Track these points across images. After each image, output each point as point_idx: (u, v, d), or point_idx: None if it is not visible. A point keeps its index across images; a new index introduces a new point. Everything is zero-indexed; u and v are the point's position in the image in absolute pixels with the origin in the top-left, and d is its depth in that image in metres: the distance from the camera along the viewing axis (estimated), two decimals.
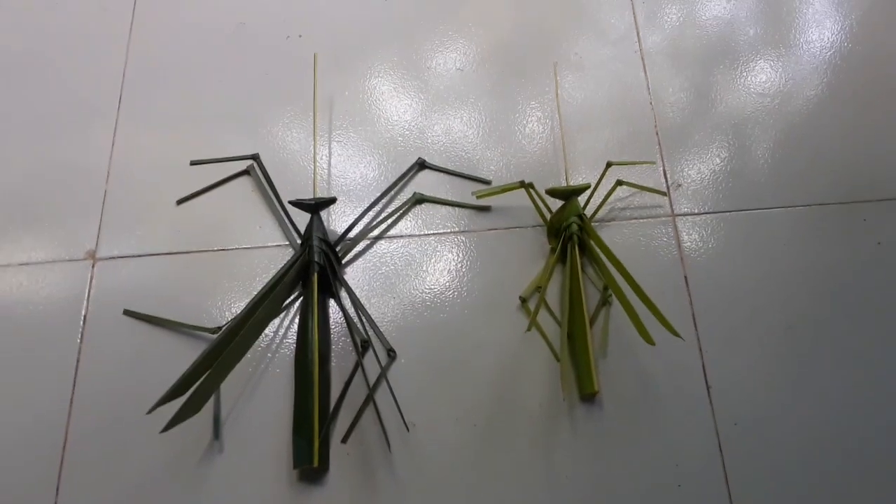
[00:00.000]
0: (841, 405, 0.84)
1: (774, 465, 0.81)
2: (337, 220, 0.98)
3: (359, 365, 0.86)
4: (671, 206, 0.98)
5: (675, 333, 0.80)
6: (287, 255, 0.95)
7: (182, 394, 0.79)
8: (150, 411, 0.75)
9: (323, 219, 0.95)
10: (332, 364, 0.88)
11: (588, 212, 0.97)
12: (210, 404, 0.84)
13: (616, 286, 0.83)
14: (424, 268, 0.94)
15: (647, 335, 0.80)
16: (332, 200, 0.93)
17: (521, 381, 0.87)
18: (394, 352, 0.88)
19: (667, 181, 1.00)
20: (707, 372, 0.86)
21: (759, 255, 0.94)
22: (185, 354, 0.88)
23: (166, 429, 0.75)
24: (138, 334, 0.90)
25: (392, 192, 1.00)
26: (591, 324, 0.89)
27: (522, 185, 0.93)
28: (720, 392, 0.85)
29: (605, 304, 0.91)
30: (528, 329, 0.80)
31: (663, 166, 1.01)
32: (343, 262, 0.95)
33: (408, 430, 0.82)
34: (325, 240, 0.91)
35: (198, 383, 0.77)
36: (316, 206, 0.92)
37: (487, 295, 0.92)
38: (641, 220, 0.97)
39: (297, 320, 0.91)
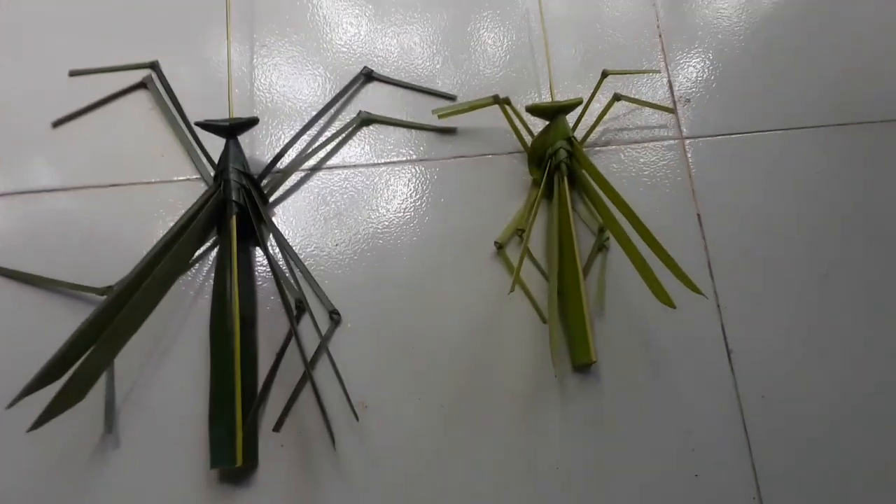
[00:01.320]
0: (886, 367, 0.72)
1: (811, 447, 0.69)
2: (262, 147, 0.81)
3: (292, 332, 0.70)
4: (679, 126, 0.83)
5: (697, 290, 0.66)
6: (198, 191, 0.78)
7: (57, 377, 0.63)
8: (10, 405, 0.59)
9: (242, 145, 0.78)
10: (258, 332, 0.72)
11: (578, 134, 0.81)
12: (99, 388, 0.68)
13: (618, 228, 0.68)
14: (374, 206, 0.78)
15: (666, 296, 0.66)
16: (253, 122, 0.76)
17: (499, 349, 0.72)
18: (337, 314, 0.73)
19: (673, 95, 0.85)
20: (727, 334, 0.73)
21: (787, 186, 0.80)
22: (65, 323, 0.71)
23: (36, 426, 0.59)
24: (4, 296, 0.73)
25: (331, 111, 0.83)
26: (584, 275, 0.74)
27: (496, 100, 0.77)
28: (743, 358, 0.72)
29: (600, 249, 0.77)
30: (511, 290, 0.65)
31: (668, 77, 0.85)
32: (270, 200, 0.78)
33: (356, 417, 0.66)
34: (244, 172, 0.74)
35: (80, 361, 0.61)
36: (231, 129, 0.75)
37: (454, 240, 0.77)
38: (643, 145, 0.82)
39: (212, 277, 0.75)
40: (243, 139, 0.80)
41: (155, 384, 0.69)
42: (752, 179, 0.80)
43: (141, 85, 0.84)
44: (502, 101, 0.78)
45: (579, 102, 0.77)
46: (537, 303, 0.74)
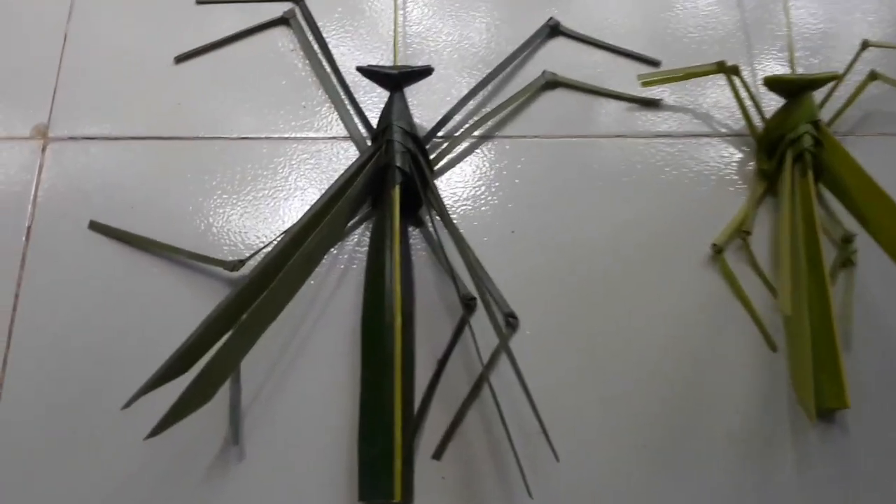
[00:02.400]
0: None
1: None
2: (423, 108, 0.68)
3: (458, 333, 0.59)
4: None
5: None
6: (346, 153, 0.66)
7: (182, 372, 0.52)
8: (127, 405, 0.48)
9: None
10: (417, 329, 0.60)
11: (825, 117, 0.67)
12: (223, 391, 0.56)
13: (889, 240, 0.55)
14: (557, 188, 0.66)
15: None
16: (427, 71, 0.64)
17: (713, 379, 0.59)
18: (514, 317, 0.60)
19: None
20: None
21: None
22: (182, 302, 0.60)
23: (155, 432, 0.48)
24: (114, 264, 0.62)
25: (508, 69, 0.70)
26: None
27: (721, 68, 0.64)
28: None
29: (845, 264, 0.63)
30: (786, 308, 0.52)
31: None
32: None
33: (556, 456, 0.53)
34: (411, 133, 0.62)
35: (210, 356, 0.49)
36: (400, 79, 0.63)
37: (658, 239, 0.64)
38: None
39: (356, 261, 0.62)
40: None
41: (288, 389, 0.58)
42: None
43: (282, 20, 0.72)
44: (729, 70, 0.64)
45: (834, 77, 0.63)
46: (764, 325, 0.60)
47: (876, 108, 0.69)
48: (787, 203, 0.60)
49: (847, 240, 0.63)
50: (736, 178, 0.66)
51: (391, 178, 0.60)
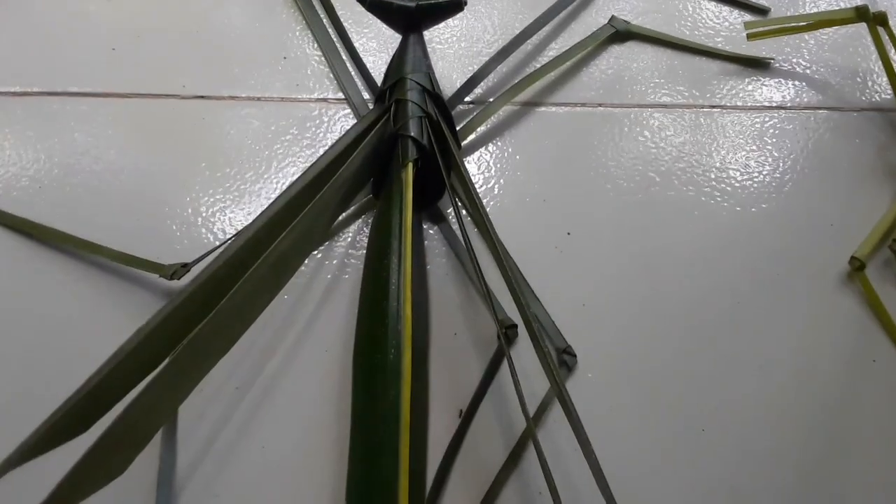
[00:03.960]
0: None
1: None
2: (447, 62, 0.53)
3: (492, 375, 0.43)
4: None
5: None
6: (342, 121, 0.50)
7: (79, 431, 0.36)
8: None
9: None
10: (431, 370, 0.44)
11: None
12: (149, 459, 0.40)
13: None
14: (631, 176, 0.50)
15: None
16: (457, 5, 0.48)
17: (856, 446, 0.43)
18: (572, 354, 0.44)
19: None
20: None
21: None
22: (107, 320, 0.44)
23: None
24: (5, 259, 0.46)
25: (563, 13, 0.54)
26: None
27: (862, 15, 0.48)
28: None
29: None
30: None
31: None
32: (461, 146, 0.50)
33: None
34: (434, 92, 0.46)
35: (127, 405, 0.34)
36: (418, 15, 0.47)
37: (773, 249, 0.49)
38: None
39: (349, 268, 0.47)
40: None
41: (247, 454, 0.42)
42: None
43: None
44: (875, 18, 0.49)
45: None
46: None
47: None
48: None
49: None
50: (880, 167, 0.50)
51: (402, 153, 0.44)
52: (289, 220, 0.41)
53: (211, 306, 0.37)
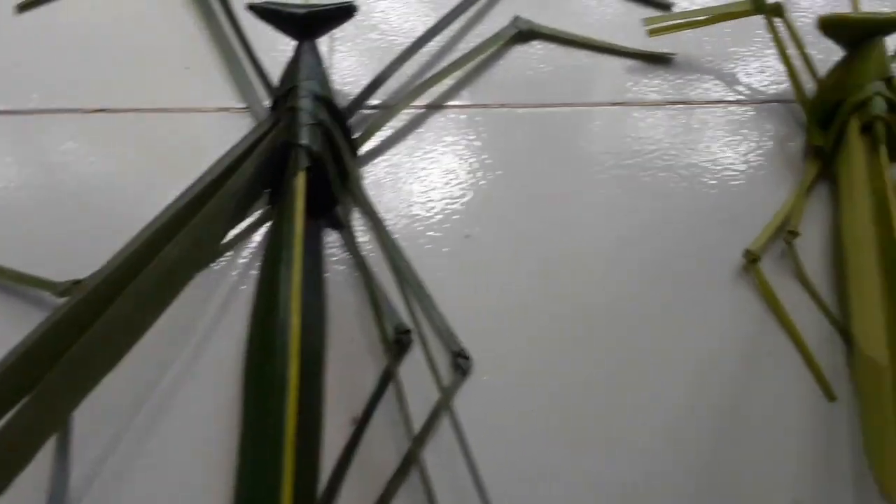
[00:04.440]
0: None
1: None
2: (347, 70, 0.53)
3: (386, 381, 0.43)
4: None
5: None
6: (245, 130, 0.51)
7: None
8: None
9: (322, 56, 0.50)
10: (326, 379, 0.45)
11: None
12: (39, 466, 0.40)
13: None
14: (533, 176, 0.51)
15: None
16: (347, 10, 0.49)
17: (751, 440, 0.44)
18: (465, 357, 0.45)
19: None
20: None
21: None
22: None
23: None
24: None
25: (468, 14, 0.55)
26: None
27: (758, 7, 0.49)
28: None
29: None
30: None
31: None
32: (359, 152, 0.51)
33: None
34: (326, 99, 0.47)
35: (6, 420, 0.36)
36: (308, 21, 0.48)
37: (672, 245, 0.49)
38: None
39: (249, 279, 0.47)
40: (323, 48, 0.52)
41: (141, 474, 0.42)
42: None
43: None
44: (770, 9, 0.49)
45: None
46: (818, 363, 0.45)
47: None
48: (854, 190, 0.45)
49: None
50: (779, 159, 0.51)
51: (293, 162, 0.45)
52: (175, 231, 0.42)
53: (91, 323, 0.38)
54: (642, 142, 0.52)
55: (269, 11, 0.48)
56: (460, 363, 0.45)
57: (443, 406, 0.43)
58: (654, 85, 0.53)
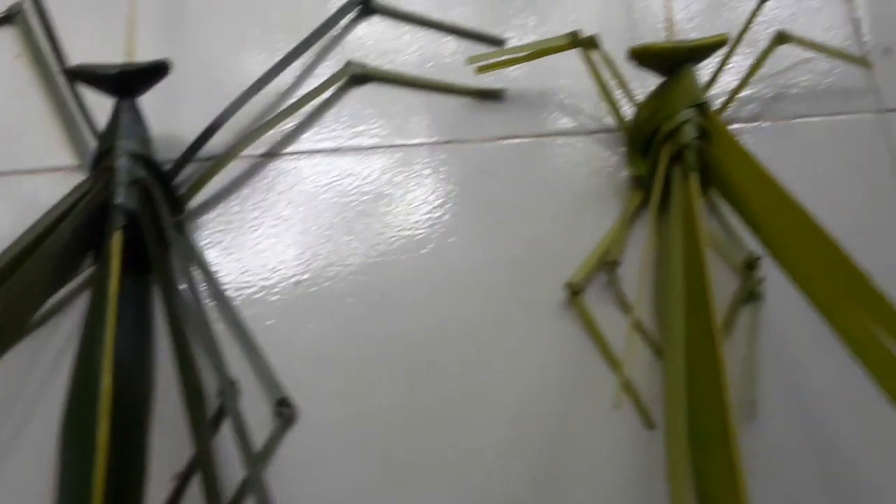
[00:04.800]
0: None
1: None
2: (183, 122, 0.54)
3: (210, 433, 0.44)
4: (876, 90, 0.55)
5: None
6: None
7: None
8: None
9: (147, 115, 0.50)
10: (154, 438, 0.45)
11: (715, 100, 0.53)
12: None
13: (804, 267, 0.41)
14: (363, 219, 0.52)
15: None
16: (159, 69, 0.49)
17: (575, 471, 0.45)
18: (289, 405, 0.46)
19: (860, 41, 0.57)
20: None
21: None
22: None
23: None
24: None
25: (301, 60, 0.55)
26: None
27: (575, 42, 0.50)
28: None
29: (748, 300, 0.49)
30: (617, 402, 0.39)
31: (850, 9, 0.58)
32: (190, 204, 0.52)
33: None
34: (144, 156, 0.47)
35: None
36: (121, 81, 0.49)
37: (497, 279, 0.50)
38: (814, 121, 0.54)
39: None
40: (148, 105, 0.52)
41: None
42: None
43: (5, 18, 0.58)
44: (586, 43, 0.50)
45: (723, 42, 0.49)
46: (638, 393, 0.46)
47: (789, 83, 0.55)
48: (669, 218, 0.46)
49: (750, 265, 0.49)
50: (608, 189, 0.52)
51: (112, 222, 0.46)
52: None
53: None
54: (473, 175, 0.52)
55: (83, 73, 0.49)
56: (283, 411, 0.46)
57: (259, 461, 0.44)
58: (484, 121, 0.54)
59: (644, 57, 0.49)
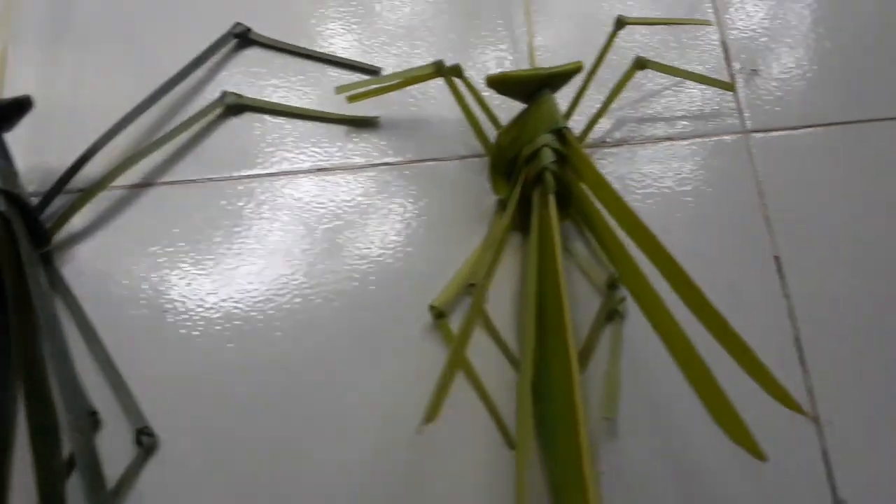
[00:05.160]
0: None
1: None
2: (56, 152, 0.54)
3: (71, 466, 0.44)
4: (741, 112, 0.56)
5: (797, 408, 0.38)
6: None
7: None
8: None
9: (15, 152, 0.51)
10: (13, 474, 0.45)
11: (576, 125, 0.54)
12: None
13: (647, 290, 0.41)
14: (232, 246, 0.53)
15: (750, 442, 0.39)
16: (21, 105, 0.49)
17: (436, 495, 0.45)
18: (150, 434, 0.46)
19: (729, 64, 0.58)
20: (835, 475, 0.45)
21: None
22: None
23: None
24: None
25: (173, 90, 0.56)
26: (582, 366, 0.47)
27: (439, 71, 0.51)
28: None
29: (611, 318, 0.50)
30: (430, 418, 0.39)
31: (722, 34, 0.59)
32: (59, 234, 0.52)
33: None
34: (7, 192, 0.48)
35: None
36: None
37: (364, 304, 0.51)
38: (680, 144, 0.56)
39: None
40: (21, 137, 0.52)
41: None
42: (875, 195, 0.53)
43: None
44: (449, 72, 0.51)
45: (578, 69, 0.50)
46: (501, 416, 0.47)
47: (658, 107, 0.56)
48: (529, 240, 0.47)
49: (612, 284, 0.50)
50: (476, 212, 0.53)
51: None
52: None
53: None
54: (344, 205, 0.53)
55: None
56: (144, 441, 0.46)
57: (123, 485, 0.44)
58: (357, 149, 0.55)
59: (502, 84, 0.50)
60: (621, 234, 0.44)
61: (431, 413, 0.41)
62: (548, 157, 0.48)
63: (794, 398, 0.39)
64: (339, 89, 0.54)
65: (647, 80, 0.57)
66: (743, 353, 0.40)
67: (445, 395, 0.41)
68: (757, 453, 0.38)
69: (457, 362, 0.43)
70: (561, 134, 0.49)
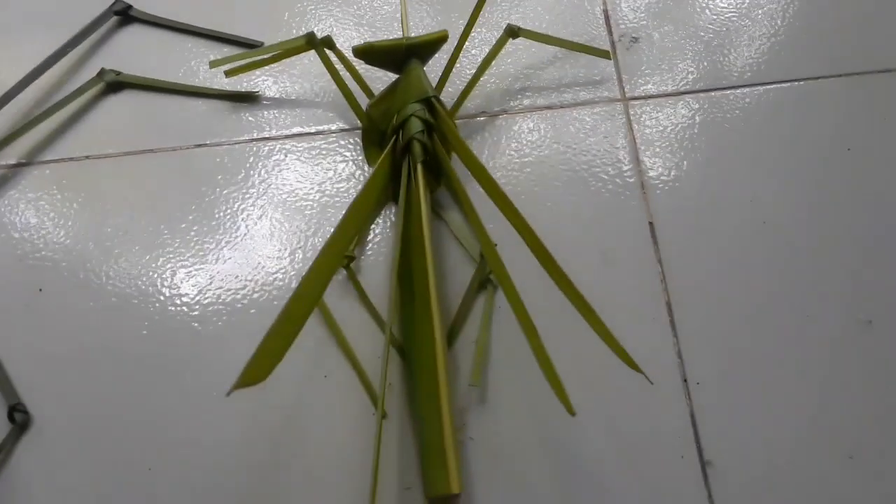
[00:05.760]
0: None
1: None
2: None
3: None
4: (619, 80, 0.57)
5: (637, 368, 0.40)
6: None
7: None
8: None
9: None
10: None
11: (448, 96, 0.55)
12: None
13: (496, 258, 0.42)
14: (115, 220, 0.53)
15: (565, 398, 0.40)
16: None
17: (304, 461, 0.46)
18: (23, 410, 0.47)
19: (610, 32, 0.59)
20: (701, 438, 0.47)
21: (799, 172, 0.54)
22: None
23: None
24: None
25: (51, 68, 0.56)
26: (451, 337, 0.48)
27: (311, 43, 0.52)
28: (730, 476, 0.46)
29: (483, 287, 0.51)
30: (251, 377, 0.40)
31: (605, 4, 0.60)
32: None
33: None
34: None
35: None
36: None
37: (241, 278, 0.51)
38: (557, 112, 0.56)
39: None
40: None
41: None
42: (744, 161, 0.54)
43: None
44: (320, 44, 0.52)
45: (444, 38, 0.51)
46: (370, 380, 0.48)
47: (532, 77, 0.57)
48: (399, 209, 0.48)
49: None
50: (347, 184, 0.54)
51: None
52: None
53: None
54: (221, 181, 0.54)
55: None
56: (17, 417, 0.47)
57: None
58: (245, 123, 0.55)
59: (368, 54, 0.50)
60: (489, 202, 0.45)
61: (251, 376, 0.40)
62: (416, 126, 0.49)
63: (633, 359, 0.40)
64: (213, 63, 0.54)
65: (531, 52, 0.58)
66: (591, 315, 0.41)
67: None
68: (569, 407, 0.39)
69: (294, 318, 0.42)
70: (430, 104, 0.50)
